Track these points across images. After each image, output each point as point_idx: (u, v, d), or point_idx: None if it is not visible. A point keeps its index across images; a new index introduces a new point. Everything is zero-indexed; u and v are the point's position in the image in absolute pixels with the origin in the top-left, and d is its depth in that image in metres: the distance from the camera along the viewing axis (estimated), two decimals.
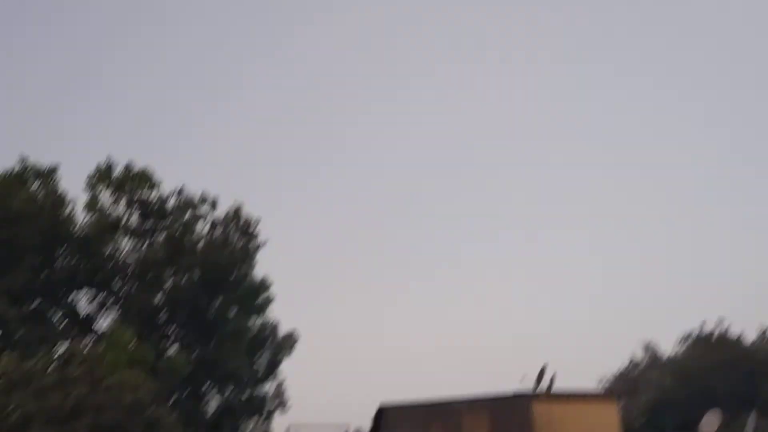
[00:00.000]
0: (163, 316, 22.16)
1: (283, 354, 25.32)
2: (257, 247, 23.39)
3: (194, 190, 23.26)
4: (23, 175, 18.80)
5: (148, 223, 22.36)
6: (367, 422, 23.86)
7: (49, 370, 14.74)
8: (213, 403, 23.55)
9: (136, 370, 15.66)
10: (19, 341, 16.08)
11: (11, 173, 18.38)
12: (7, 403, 13.46)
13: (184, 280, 21.86)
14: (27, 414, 13.31)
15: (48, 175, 18.67)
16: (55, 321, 18.04)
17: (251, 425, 26.07)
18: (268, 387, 25.11)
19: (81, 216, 19.77)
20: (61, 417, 13.79)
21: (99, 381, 14.57)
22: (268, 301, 25.20)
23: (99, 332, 20.23)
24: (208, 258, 21.77)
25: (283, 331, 25.45)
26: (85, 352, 15.22)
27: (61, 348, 17.81)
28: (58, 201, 18.39)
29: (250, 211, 23.63)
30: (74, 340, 17.61)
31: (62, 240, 18.58)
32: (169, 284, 21.97)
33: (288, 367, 26.67)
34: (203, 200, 23.01)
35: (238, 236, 22.98)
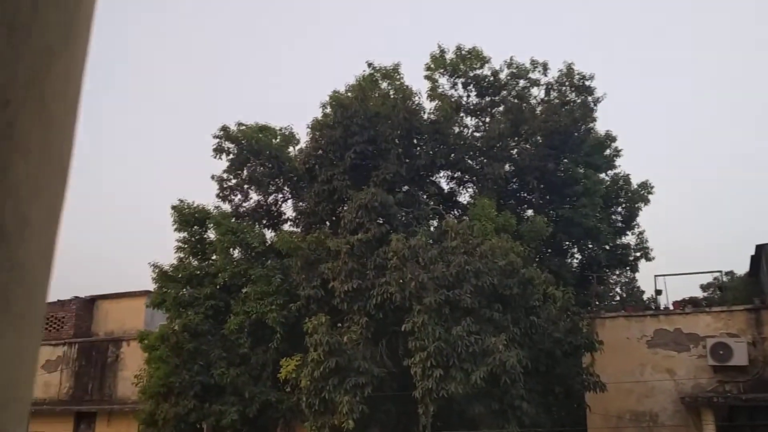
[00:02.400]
0: (514, 184, 23.27)
1: (639, 204, 24.90)
2: (596, 102, 22.90)
3: (522, 59, 23.50)
4: (372, 77, 20.80)
5: (486, 99, 23.33)
6: (740, 266, 22.60)
7: (430, 244, 16.74)
8: (576, 259, 24.42)
9: (503, 236, 16.97)
10: (400, 224, 18.37)
11: (363, 78, 20.49)
12: (404, 275, 15.73)
13: (528, 147, 22.52)
14: (420, 282, 15.42)
15: (393, 74, 20.44)
16: (423, 202, 20.12)
17: (616, 276, 26.49)
18: (629, 238, 25.12)
19: (426, 105, 21.37)
20: (447, 284, 15.73)
21: (473, 249, 16.16)
22: (615, 155, 24.79)
23: (462, 206, 22.14)
24: (548, 121, 22.01)
25: (635, 181, 24.95)
26: (456, 225, 16.88)
27: (434, 224, 20.01)
28: (406, 95, 20.09)
29: (582, 68, 23.15)
30: (443, 216, 19.60)
31: (416, 130, 20.38)
32: (515, 153, 22.87)
33: (646, 217, 26.19)
34: (534, 66, 23.10)
35: (575, 95, 22.71)
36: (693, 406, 17.91)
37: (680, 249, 40.89)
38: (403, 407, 16.67)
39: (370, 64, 20.78)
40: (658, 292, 21.32)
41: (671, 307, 20.25)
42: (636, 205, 24.83)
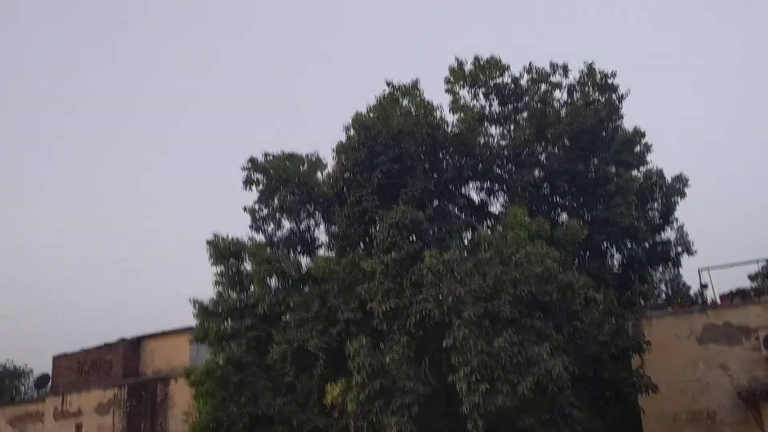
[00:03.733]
0: (545, 189, 23.01)
1: (675, 198, 24.46)
2: (620, 100, 22.59)
3: (542, 63, 23.34)
4: (392, 95, 20.86)
5: (509, 107, 23.19)
6: None
7: (464, 257, 16.60)
8: (615, 260, 24.00)
9: (537, 243, 16.76)
10: (432, 239, 18.28)
11: (383, 96, 20.56)
12: (441, 290, 15.62)
13: (556, 151, 22.29)
14: (458, 296, 15.28)
15: (413, 90, 20.47)
16: (454, 215, 20.02)
17: (659, 273, 25.97)
18: (668, 234, 24.64)
19: (449, 118, 21.32)
20: (485, 296, 15.56)
21: (508, 259, 15.99)
22: (645, 150, 24.41)
23: (494, 216, 21.96)
24: (574, 123, 21.77)
25: (669, 176, 24.53)
26: (489, 235, 16.74)
27: (467, 236, 19.88)
28: (428, 110, 20.08)
29: (603, 66, 22.90)
30: (476, 228, 19.46)
31: (441, 144, 20.34)
32: (543, 158, 22.64)
33: (685, 211, 25.73)
34: (554, 69, 22.93)
35: (598, 94, 22.45)
36: (752, 401, 17.36)
37: (723, 241, 39.95)
38: (452, 425, 16.44)
39: (389, 83, 20.88)
40: (704, 287, 20.84)
41: (719, 301, 19.78)
42: (672, 200, 24.37)
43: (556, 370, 14.14)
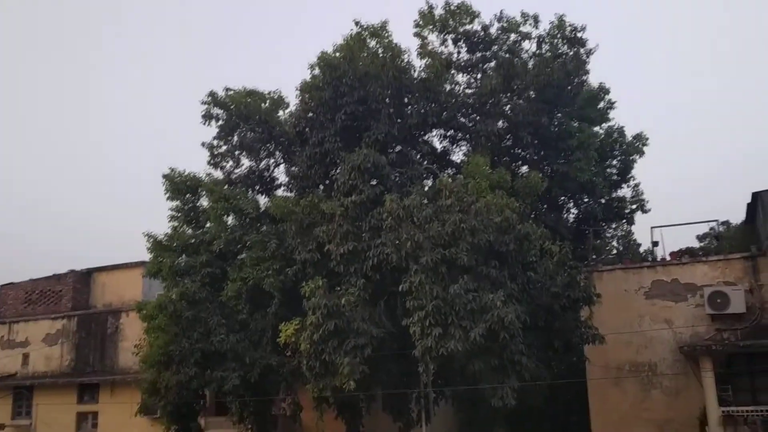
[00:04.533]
0: (508, 140, 23.04)
1: (634, 157, 24.79)
2: (588, 54, 22.55)
3: (513, 12, 23.07)
4: (360, 36, 20.36)
5: (477, 55, 22.94)
6: (738, 215, 22.58)
7: (424, 203, 16.59)
8: (572, 214, 24.36)
9: (498, 193, 16.83)
10: (393, 184, 18.19)
11: (350, 37, 20.06)
12: (400, 235, 15.64)
13: (521, 102, 22.25)
14: (416, 242, 15.32)
15: (381, 32, 20.00)
16: (416, 161, 19.89)
17: (613, 229, 26.49)
18: (624, 191, 25.05)
19: (416, 62, 20.99)
20: (443, 242, 15.63)
21: (468, 207, 16.03)
22: (609, 107, 24.57)
23: (456, 165, 21.94)
24: (541, 75, 21.68)
25: (630, 134, 24.79)
26: (450, 183, 16.71)
27: (428, 183, 19.84)
28: (395, 53, 19.70)
29: (574, 19, 22.76)
30: (437, 175, 19.40)
31: (407, 89, 20.05)
32: (507, 109, 22.59)
33: (642, 170, 26.13)
34: (524, 19, 22.68)
35: (567, 47, 22.34)
36: (692, 355, 18.02)
37: (677, 200, 40.89)
38: (404, 367, 16.73)
39: (357, 23, 20.36)
40: (655, 244, 21.31)
41: (668, 258, 20.26)
42: (631, 158, 24.72)
43: (509, 318, 14.38)
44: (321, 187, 20.01)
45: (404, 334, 15.47)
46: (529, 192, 18.93)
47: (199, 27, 74.54)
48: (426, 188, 18.86)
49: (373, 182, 17.69)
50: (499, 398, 14.83)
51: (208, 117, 22.34)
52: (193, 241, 20.74)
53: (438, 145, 22.47)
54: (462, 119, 21.88)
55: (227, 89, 22.34)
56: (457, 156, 22.60)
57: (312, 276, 16.92)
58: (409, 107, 20.31)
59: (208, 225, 21.05)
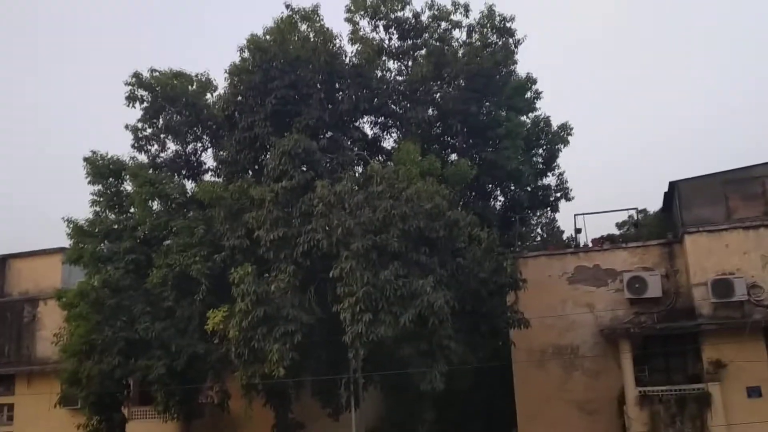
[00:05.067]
0: (438, 128, 23.26)
1: (559, 146, 25.41)
2: (517, 45, 22.96)
3: (443, 1, 23.21)
4: (291, 19, 20.09)
5: (408, 42, 23.01)
6: (656, 203, 23.53)
7: (355, 190, 16.56)
8: (499, 201, 24.82)
9: (428, 180, 16.97)
10: (324, 170, 18.08)
11: (281, 20, 19.76)
12: (330, 222, 15.58)
13: (451, 91, 22.46)
14: (347, 228, 15.31)
15: (312, 16, 19.78)
16: (347, 147, 19.84)
17: (538, 217, 27.16)
18: (549, 180, 25.69)
19: (347, 48, 20.88)
20: (374, 229, 15.69)
21: (399, 194, 16.12)
22: (536, 97, 25.08)
23: (387, 151, 21.99)
24: (471, 64, 21.95)
25: (555, 123, 25.39)
26: (381, 170, 16.74)
27: (359, 170, 19.83)
28: (327, 37, 19.54)
29: (504, 10, 23.10)
30: (368, 161, 19.41)
31: (338, 74, 19.94)
32: (438, 97, 22.79)
33: (567, 159, 26.79)
34: (455, 8, 22.87)
35: (496, 37, 22.68)
36: (611, 338, 18.75)
37: (598, 189, 42.28)
38: (334, 353, 16.74)
39: (288, 6, 20.06)
40: (578, 231, 22.00)
41: (590, 245, 20.96)
42: (556, 147, 25.33)
43: (438, 303, 14.58)
44: (250, 172, 19.71)
45: (334, 320, 15.47)
46: (458, 179, 19.19)
47: (124, 3, 71.87)
48: (357, 174, 18.82)
49: (304, 168, 17.53)
50: (428, 383, 15.05)
51: (132, 99, 21.58)
52: (116, 226, 20.11)
53: (369, 131, 22.50)
54: (393, 106, 21.94)
55: (152, 70, 21.68)
56: (388, 143, 22.71)
57: (241, 262, 16.67)
58: (341, 93, 20.21)
59: (132, 210, 20.45)
